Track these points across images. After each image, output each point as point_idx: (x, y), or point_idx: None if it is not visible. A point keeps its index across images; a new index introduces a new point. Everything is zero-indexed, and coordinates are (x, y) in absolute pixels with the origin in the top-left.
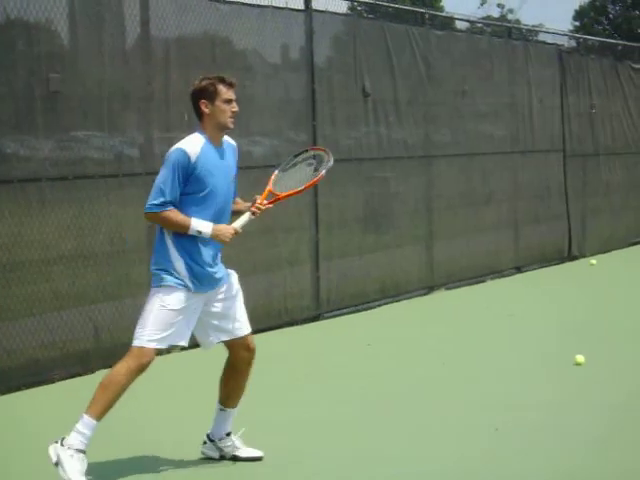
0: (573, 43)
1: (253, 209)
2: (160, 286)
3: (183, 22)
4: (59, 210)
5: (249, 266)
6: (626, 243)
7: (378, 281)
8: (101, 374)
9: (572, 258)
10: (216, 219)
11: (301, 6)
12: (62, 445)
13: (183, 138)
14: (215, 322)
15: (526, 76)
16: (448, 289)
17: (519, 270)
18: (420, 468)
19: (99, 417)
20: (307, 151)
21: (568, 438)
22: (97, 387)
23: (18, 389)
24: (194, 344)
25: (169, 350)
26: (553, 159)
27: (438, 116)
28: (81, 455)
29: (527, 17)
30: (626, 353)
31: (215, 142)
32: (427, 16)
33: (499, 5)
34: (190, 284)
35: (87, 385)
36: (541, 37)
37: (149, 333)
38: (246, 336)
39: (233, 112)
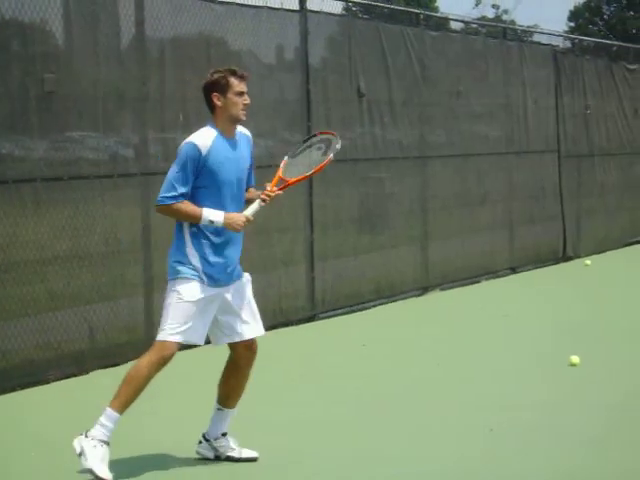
0: (568, 44)
1: (263, 196)
2: (176, 278)
3: (178, 22)
4: (54, 210)
5: (244, 266)
6: (621, 244)
7: (373, 282)
8: (96, 375)
9: (567, 259)
10: (229, 210)
11: (296, 7)
12: (86, 437)
13: (178, 138)
14: (228, 323)
15: (521, 77)
16: (443, 290)
17: (514, 271)
18: (418, 468)
19: (122, 410)
20: (315, 136)
21: (566, 438)
22: (121, 381)
23: (13, 390)
24: (193, 344)
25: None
26: (548, 160)
27: (433, 117)
28: (104, 445)
29: (522, 18)
30: (621, 353)
31: (227, 134)
32: (422, 17)
33: (494, 6)
34: (205, 277)
35: (82, 386)
36: (536, 38)
37: (169, 327)
38: (253, 338)
39: (245, 104)
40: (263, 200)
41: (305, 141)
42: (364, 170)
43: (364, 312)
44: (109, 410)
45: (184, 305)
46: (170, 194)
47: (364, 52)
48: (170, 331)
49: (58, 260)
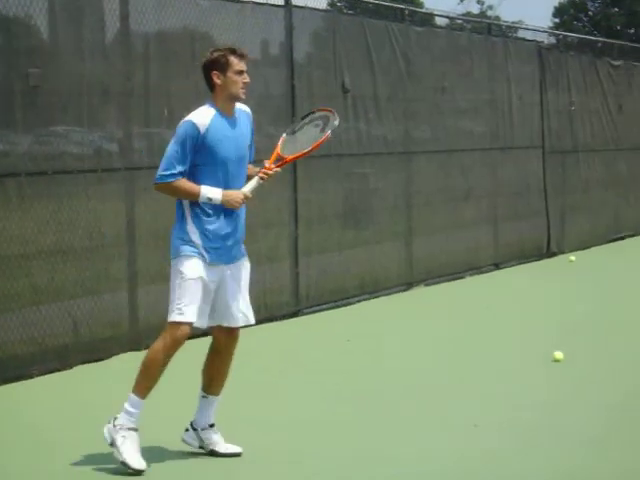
0: (552, 40)
1: (261, 175)
2: (178, 257)
3: (163, 17)
4: (38, 205)
5: None
6: (605, 240)
7: (357, 277)
8: (79, 370)
9: (551, 255)
10: (231, 188)
11: (281, 2)
12: (114, 426)
13: (162, 133)
14: (218, 306)
15: (506, 73)
16: (427, 285)
17: (498, 266)
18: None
19: (144, 395)
20: (314, 112)
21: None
22: (140, 365)
23: None
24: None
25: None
26: (532, 156)
27: (418, 112)
28: (133, 433)
29: (507, 14)
30: (605, 348)
31: (226, 113)
32: (407, 12)
33: (479, 2)
34: (205, 254)
35: (66, 381)
36: (521, 34)
37: (177, 307)
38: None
39: (245, 83)
40: (261, 178)
41: (303, 118)
42: (348, 165)
43: (348, 307)
44: (132, 396)
45: (187, 283)
46: (169, 172)
47: (349, 47)
48: (178, 311)
49: (42, 254)
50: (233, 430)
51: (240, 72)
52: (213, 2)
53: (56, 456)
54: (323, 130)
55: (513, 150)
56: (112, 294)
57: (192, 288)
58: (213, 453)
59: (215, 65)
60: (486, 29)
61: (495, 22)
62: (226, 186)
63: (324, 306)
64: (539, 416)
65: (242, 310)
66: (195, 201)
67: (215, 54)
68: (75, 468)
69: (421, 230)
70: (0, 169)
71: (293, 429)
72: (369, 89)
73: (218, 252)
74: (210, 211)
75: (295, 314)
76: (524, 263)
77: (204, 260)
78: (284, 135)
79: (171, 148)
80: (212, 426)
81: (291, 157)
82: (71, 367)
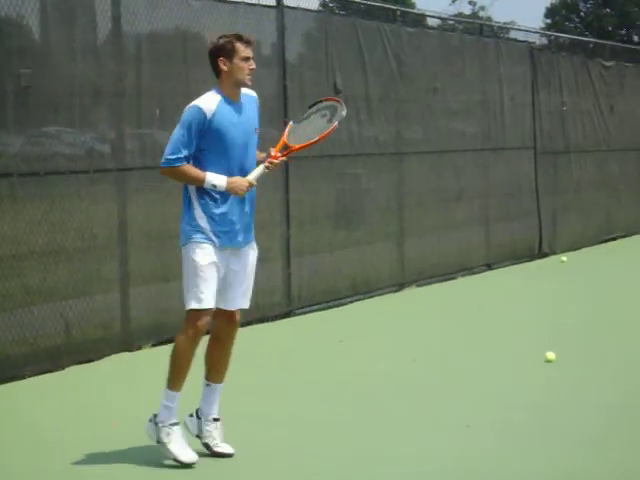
0: (544, 41)
1: (267, 164)
2: (188, 243)
3: (154, 18)
4: (30, 206)
5: None
6: (597, 240)
7: (349, 278)
8: (71, 370)
9: (543, 255)
10: (235, 174)
11: (273, 3)
12: (156, 424)
13: (154, 134)
14: (221, 289)
15: (497, 73)
16: (419, 286)
17: (490, 267)
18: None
19: (178, 388)
20: (321, 102)
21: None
22: (169, 359)
23: None
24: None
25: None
26: (524, 156)
27: (409, 113)
28: (175, 428)
29: (499, 14)
30: (596, 349)
31: (232, 98)
32: (399, 13)
33: (471, 2)
34: (215, 238)
35: (58, 381)
36: (512, 34)
37: (192, 295)
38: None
39: (251, 69)
40: (267, 167)
41: (311, 106)
42: (340, 166)
43: (340, 308)
44: (167, 391)
45: (199, 269)
46: (174, 156)
47: (341, 48)
48: (196, 299)
49: (34, 255)
50: (231, 429)
51: (246, 59)
52: (205, 3)
53: (56, 456)
54: (330, 120)
55: (505, 151)
56: (104, 295)
57: (207, 274)
58: (207, 447)
59: (221, 51)
60: (478, 30)
61: (487, 23)
62: (233, 172)
63: (316, 307)
64: (532, 416)
65: (241, 294)
66: (200, 186)
67: (221, 40)
68: (75, 468)
69: (413, 231)
70: None
71: (291, 429)
72: (361, 90)
73: (228, 236)
74: (217, 195)
75: (287, 315)
76: (516, 264)
77: (214, 245)
78: (291, 123)
79: (177, 132)
80: (217, 420)
81: (297, 146)
82: (63, 368)
